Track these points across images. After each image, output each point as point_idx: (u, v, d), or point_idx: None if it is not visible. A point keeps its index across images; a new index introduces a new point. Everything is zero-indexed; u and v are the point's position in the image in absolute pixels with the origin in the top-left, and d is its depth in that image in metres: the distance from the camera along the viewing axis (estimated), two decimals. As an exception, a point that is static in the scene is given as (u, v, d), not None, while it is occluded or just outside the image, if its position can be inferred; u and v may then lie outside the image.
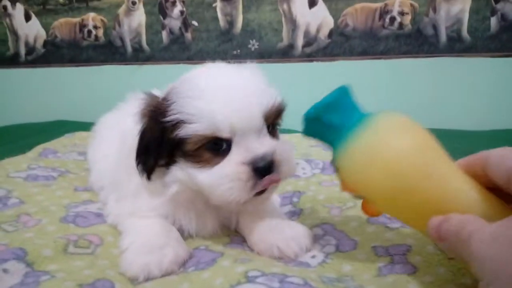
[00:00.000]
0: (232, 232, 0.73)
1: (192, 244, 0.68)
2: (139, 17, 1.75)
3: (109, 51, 1.81)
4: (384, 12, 1.52)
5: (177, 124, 0.60)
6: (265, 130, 0.62)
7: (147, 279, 0.58)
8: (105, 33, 1.81)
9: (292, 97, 1.72)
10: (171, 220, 0.69)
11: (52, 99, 1.89)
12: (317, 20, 1.58)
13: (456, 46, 1.49)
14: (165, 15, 1.72)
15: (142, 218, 0.68)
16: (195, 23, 1.70)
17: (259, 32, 1.64)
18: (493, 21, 1.44)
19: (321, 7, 1.57)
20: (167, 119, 0.61)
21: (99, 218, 0.74)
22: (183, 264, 0.62)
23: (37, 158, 1.09)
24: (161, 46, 1.75)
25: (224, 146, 0.60)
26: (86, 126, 1.48)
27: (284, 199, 0.83)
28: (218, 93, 0.60)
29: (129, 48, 1.79)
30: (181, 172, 0.64)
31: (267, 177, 0.59)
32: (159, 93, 0.70)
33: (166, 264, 0.60)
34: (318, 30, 1.59)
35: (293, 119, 1.63)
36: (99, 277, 0.56)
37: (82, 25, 1.82)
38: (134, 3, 1.73)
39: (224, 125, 0.58)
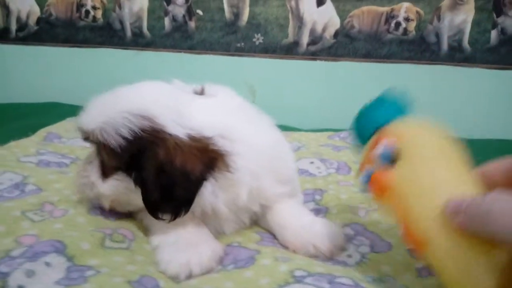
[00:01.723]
0: (259, 229, 0.73)
1: (223, 241, 0.68)
2: (141, 1, 1.70)
3: (107, 34, 1.76)
4: (390, 16, 1.55)
5: None
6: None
7: (188, 277, 0.58)
8: (103, 15, 1.75)
9: (294, 94, 1.74)
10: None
11: (43, 79, 1.81)
12: (324, 19, 1.59)
13: (456, 56, 1.54)
14: (169, 1, 1.68)
15: None
16: (199, 12, 1.67)
17: (265, 26, 1.63)
18: (493, 34, 1.50)
19: (328, 6, 1.58)
20: None
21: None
22: (221, 261, 0.62)
23: (43, 143, 1.05)
24: (163, 33, 1.71)
25: None
26: (82, 111, 1.44)
27: (306, 196, 0.83)
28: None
29: (129, 32, 1.74)
30: None
31: None
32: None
33: (205, 262, 0.60)
34: (324, 29, 1.60)
35: (295, 116, 1.64)
36: (142, 273, 0.56)
37: (80, 5, 1.75)
38: (136, -14, 1.68)
39: None
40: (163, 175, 0.58)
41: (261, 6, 1.62)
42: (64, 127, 1.20)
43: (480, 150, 1.28)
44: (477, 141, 1.40)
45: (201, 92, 0.73)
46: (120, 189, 0.64)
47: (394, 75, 1.59)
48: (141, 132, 0.59)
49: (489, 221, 0.41)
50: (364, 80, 1.60)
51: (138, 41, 1.74)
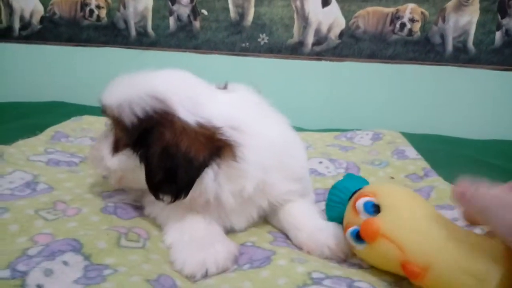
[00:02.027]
0: (271, 229, 0.73)
1: (236, 240, 0.67)
2: (146, 0, 1.70)
3: (111, 33, 1.75)
4: (395, 17, 1.55)
5: None
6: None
7: (204, 276, 0.58)
8: (108, 14, 1.75)
9: (299, 94, 1.74)
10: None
11: (46, 78, 1.81)
12: (329, 19, 1.59)
13: (461, 57, 1.54)
14: (174, 1, 1.68)
15: (181, 212, 0.67)
16: (204, 12, 1.67)
17: (270, 26, 1.63)
18: (498, 35, 1.50)
19: (334, 7, 1.58)
20: None
21: (138, 211, 0.72)
22: (236, 261, 0.62)
23: (51, 142, 1.05)
24: (167, 32, 1.71)
25: None
26: (85, 110, 1.44)
27: (317, 196, 0.83)
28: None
29: (133, 32, 1.73)
30: None
31: None
32: None
33: (221, 261, 0.59)
34: (329, 30, 1.60)
35: (300, 116, 1.65)
36: (159, 272, 0.55)
37: (84, 4, 1.74)
38: (141, -14, 1.68)
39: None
40: (167, 156, 0.59)
41: (266, 6, 1.62)
42: (71, 126, 1.20)
43: (483, 151, 1.30)
44: (481, 142, 1.41)
45: (224, 88, 0.74)
46: (127, 165, 0.66)
47: (399, 75, 1.59)
48: (153, 112, 0.61)
49: (488, 214, 0.46)
50: (369, 80, 1.61)
51: (143, 41, 1.74)
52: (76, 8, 1.75)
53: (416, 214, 0.55)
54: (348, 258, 0.64)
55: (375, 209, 0.58)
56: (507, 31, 1.49)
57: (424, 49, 1.56)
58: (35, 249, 0.55)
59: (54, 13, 1.78)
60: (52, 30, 1.79)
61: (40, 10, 1.78)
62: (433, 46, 1.56)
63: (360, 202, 0.59)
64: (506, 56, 1.51)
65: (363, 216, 0.58)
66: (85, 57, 1.77)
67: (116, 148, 0.67)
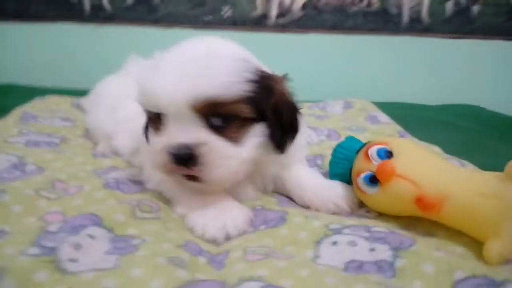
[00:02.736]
0: (273, 193, 0.75)
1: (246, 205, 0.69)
2: (99, -29, 1.61)
3: (63, 8, 1.64)
4: (355, -11, 1.60)
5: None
6: (198, 121, 0.58)
7: (226, 239, 0.59)
8: (57, -13, 1.63)
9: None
10: None
11: (-7, 59, 1.67)
12: (292, -9, 1.60)
13: (416, 27, 1.63)
14: (130, -27, 1.60)
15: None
16: (164, -16, 1.61)
17: (233, -2, 1.62)
18: (449, 5, 1.60)
19: (296, -22, 1.59)
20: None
21: (140, 185, 0.71)
22: (251, 223, 0.64)
23: (20, 123, 0.98)
24: (125, 6, 1.64)
25: (163, 121, 0.59)
26: (40, 91, 1.34)
27: (308, 162, 0.86)
28: (160, 70, 0.58)
29: (87, 5, 1.64)
30: None
31: (183, 167, 0.58)
32: None
33: (240, 223, 0.61)
34: (292, 2, 1.61)
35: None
36: (185, 239, 0.56)
37: (30, -25, 1.61)
38: (93, -44, 1.58)
39: (153, 102, 0.58)
40: (279, 113, 0.62)
41: (228, -22, 1.60)
42: (37, 107, 1.13)
43: (446, 114, 1.40)
44: (440, 106, 1.52)
45: None
46: (258, 144, 0.62)
47: (359, 46, 1.65)
48: (256, 76, 0.59)
49: None
50: (333, 51, 1.65)
51: (98, 15, 1.65)
52: (21, -20, 1.62)
53: (427, 155, 0.61)
54: (353, 211, 0.68)
55: (388, 154, 0.62)
56: (456, 1, 1.59)
57: (382, 19, 1.63)
58: (54, 226, 0.53)
59: (-4, -14, 1.63)
60: (-6, 5, 1.65)
61: (-22, -18, 1.62)
62: (390, 17, 1.63)
63: (373, 149, 0.63)
64: (457, 25, 1.62)
65: (376, 162, 0.62)
66: (36, 35, 1.65)
67: (242, 133, 0.60)
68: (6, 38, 1.66)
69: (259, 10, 1.62)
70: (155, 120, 0.61)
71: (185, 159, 0.57)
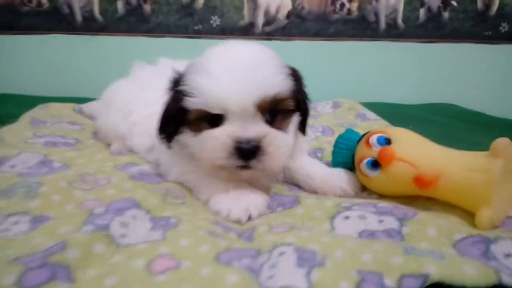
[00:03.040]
0: (280, 183, 0.82)
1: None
2: (90, -16, 1.65)
3: (55, 19, 1.68)
4: (335, -2, 1.71)
5: (184, 96, 0.65)
6: (258, 117, 0.65)
7: (248, 220, 0.66)
8: (49, -1, 1.67)
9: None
10: None
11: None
12: (277, 1, 1.70)
13: (393, 32, 1.75)
14: (121, -15, 1.66)
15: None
16: (160, -5, 1.67)
17: (221, 8, 1.69)
18: (422, 12, 1.73)
19: (280, -11, 1.69)
20: (179, 89, 0.67)
21: (160, 177, 0.77)
22: (269, 206, 0.70)
23: (33, 127, 1.02)
24: (116, 17, 1.69)
25: (219, 121, 0.65)
26: (37, 100, 1.37)
27: (309, 155, 0.94)
28: (219, 74, 0.63)
29: (79, 17, 1.68)
30: (184, 139, 0.71)
31: (244, 160, 0.64)
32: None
33: (260, 206, 0.68)
34: (277, 11, 1.71)
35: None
36: (213, 219, 0.62)
37: (21, -12, 1.64)
38: (84, -31, 1.63)
39: (216, 103, 0.63)
40: (304, 100, 0.74)
41: (216, -11, 1.68)
42: (41, 113, 1.16)
43: (425, 112, 1.52)
44: (419, 106, 1.63)
45: None
46: (295, 131, 0.73)
47: (341, 51, 1.76)
48: (291, 72, 0.70)
49: None
50: (316, 56, 1.75)
51: (90, 26, 1.69)
52: (12, -7, 1.65)
53: (421, 140, 0.70)
54: (357, 194, 0.75)
55: (387, 142, 0.71)
56: (429, 8, 1.73)
57: (361, 26, 1.75)
58: (98, 209, 0.58)
59: (-14, -1, 1.65)
60: (-15, 18, 1.66)
61: (-32, -4, 1.64)
62: (368, 24, 1.74)
63: (374, 137, 0.71)
64: (429, 30, 1.75)
65: (377, 148, 0.70)
66: (28, 46, 1.68)
67: (287, 124, 0.70)
68: (0, 50, 1.67)
69: (246, 19, 1.71)
70: (204, 121, 0.66)
71: (252, 152, 0.63)
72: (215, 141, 0.64)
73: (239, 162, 0.64)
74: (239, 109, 0.63)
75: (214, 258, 0.49)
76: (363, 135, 0.77)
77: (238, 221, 0.65)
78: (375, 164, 0.70)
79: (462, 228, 0.59)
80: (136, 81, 0.97)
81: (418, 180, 0.66)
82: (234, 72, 0.63)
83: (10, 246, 0.50)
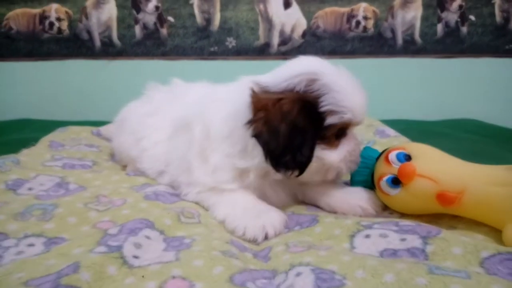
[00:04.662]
0: (300, 201, 0.80)
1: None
2: (109, 10, 1.70)
3: (74, 45, 1.73)
4: (350, 16, 1.71)
5: (328, 113, 0.67)
6: None
7: (265, 239, 0.64)
8: (69, 26, 1.72)
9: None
10: (251, 192, 0.74)
11: (8, 96, 1.73)
12: (291, 20, 1.71)
13: (410, 48, 1.73)
14: (138, 10, 1.70)
15: (227, 192, 0.72)
16: (171, 19, 1.71)
17: (237, 30, 1.71)
18: (439, 27, 1.71)
19: (295, 8, 1.70)
20: (321, 109, 0.67)
21: (176, 197, 0.76)
22: (286, 225, 0.68)
23: (52, 150, 1.03)
24: (134, 41, 1.72)
25: (345, 132, 0.71)
26: (54, 125, 1.39)
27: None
28: (353, 90, 0.72)
29: (98, 42, 1.72)
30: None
31: None
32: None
33: (277, 225, 0.66)
34: (292, 30, 1.71)
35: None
36: (229, 238, 0.60)
37: (43, 17, 1.70)
38: (103, -4, 1.68)
39: (358, 116, 0.71)
40: None
41: (231, 11, 1.70)
42: (60, 136, 1.18)
43: (445, 128, 1.48)
44: (433, 122, 1.60)
45: None
46: None
47: (358, 68, 1.73)
48: None
49: None
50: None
51: (109, 51, 1.73)
52: (35, 21, 1.71)
53: (442, 155, 0.68)
54: (378, 213, 0.72)
55: (407, 158, 0.68)
56: (446, 23, 1.71)
57: (378, 43, 1.73)
58: (113, 229, 0.57)
59: (11, 28, 1.71)
60: (9, 46, 1.72)
61: (-6, 25, 1.71)
62: (385, 40, 1.73)
63: (393, 154, 0.69)
64: (447, 45, 1.72)
65: (396, 165, 0.68)
66: (48, 72, 1.73)
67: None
68: (18, 76, 1.72)
69: (261, 40, 1.72)
70: (334, 136, 0.70)
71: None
72: (350, 153, 0.72)
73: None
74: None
75: (227, 279, 0.47)
76: (382, 152, 0.74)
77: (254, 240, 0.63)
78: (395, 182, 0.68)
79: (489, 245, 0.56)
80: (148, 104, 0.97)
81: (441, 197, 0.63)
82: (358, 87, 0.74)
83: (23, 269, 0.49)
